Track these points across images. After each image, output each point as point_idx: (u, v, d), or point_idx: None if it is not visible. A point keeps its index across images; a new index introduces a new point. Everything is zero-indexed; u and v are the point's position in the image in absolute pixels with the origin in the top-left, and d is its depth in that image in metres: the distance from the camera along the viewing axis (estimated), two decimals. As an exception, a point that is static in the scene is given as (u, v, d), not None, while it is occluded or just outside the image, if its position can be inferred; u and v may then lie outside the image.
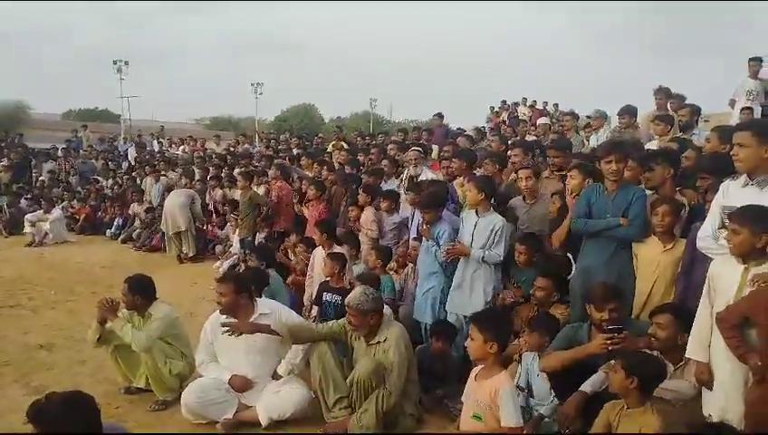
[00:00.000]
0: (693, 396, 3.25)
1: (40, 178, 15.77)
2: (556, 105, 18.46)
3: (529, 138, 9.82)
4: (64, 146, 18.23)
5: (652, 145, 6.33)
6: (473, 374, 3.40)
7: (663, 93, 7.80)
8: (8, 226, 12.57)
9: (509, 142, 8.17)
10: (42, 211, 11.90)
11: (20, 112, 41.20)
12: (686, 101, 7.46)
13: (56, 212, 12.00)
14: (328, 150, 11.58)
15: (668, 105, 7.73)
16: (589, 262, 4.30)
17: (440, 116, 12.66)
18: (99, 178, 14.92)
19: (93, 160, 16.65)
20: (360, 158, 9.41)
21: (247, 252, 7.32)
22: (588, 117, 9.27)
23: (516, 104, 18.55)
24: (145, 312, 4.47)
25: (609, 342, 3.39)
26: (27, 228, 11.65)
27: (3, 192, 13.82)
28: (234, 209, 9.48)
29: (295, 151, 12.70)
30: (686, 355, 3.21)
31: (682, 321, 3.34)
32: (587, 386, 3.47)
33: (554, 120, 13.36)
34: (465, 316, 4.64)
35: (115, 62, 38.84)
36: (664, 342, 3.40)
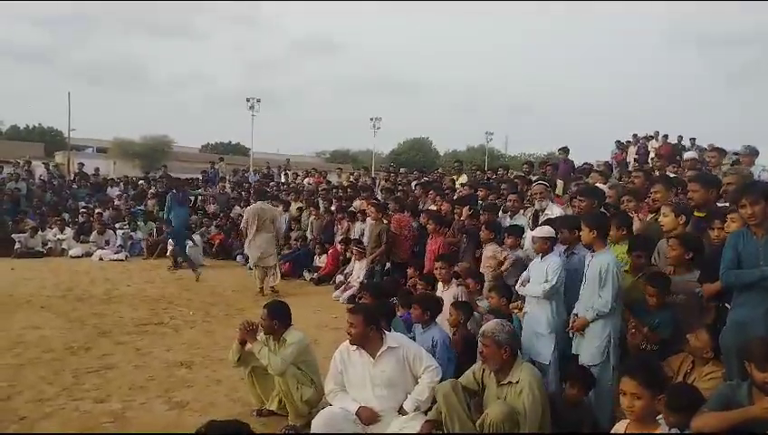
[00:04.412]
0: None
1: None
2: (693, 140, 17.15)
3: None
4: (201, 177, 19.86)
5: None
6: (620, 429, 3.13)
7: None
8: (153, 249, 13.78)
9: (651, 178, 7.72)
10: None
11: (164, 146, 45.67)
12: None
13: (194, 238, 13.02)
14: (452, 185, 11.63)
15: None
16: (744, 315, 3.85)
17: (565, 150, 12.28)
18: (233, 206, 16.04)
19: (228, 190, 17.96)
20: (481, 193, 9.34)
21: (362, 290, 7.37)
22: (736, 153, 8.55)
23: (647, 138, 17.58)
24: (280, 337, 4.64)
25: (776, 406, 3.01)
26: (169, 252, 12.74)
27: (150, 219, 15.22)
28: (358, 241, 9.71)
29: (414, 185, 12.87)
30: None
31: None
32: (749, 452, 3.09)
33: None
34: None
35: (248, 100, 41.86)
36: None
